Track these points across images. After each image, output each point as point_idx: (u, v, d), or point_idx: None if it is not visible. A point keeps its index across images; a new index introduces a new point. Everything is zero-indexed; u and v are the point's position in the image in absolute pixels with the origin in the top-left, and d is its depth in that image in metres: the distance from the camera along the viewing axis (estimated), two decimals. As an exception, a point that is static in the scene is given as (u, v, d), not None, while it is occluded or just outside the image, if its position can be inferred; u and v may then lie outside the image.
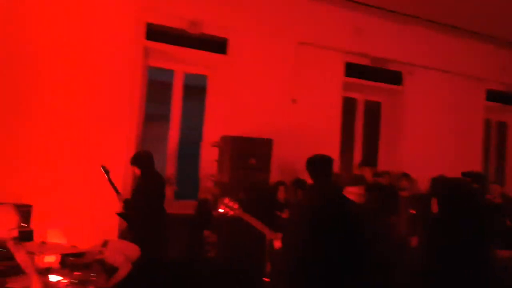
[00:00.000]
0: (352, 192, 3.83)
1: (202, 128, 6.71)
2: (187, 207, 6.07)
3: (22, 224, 4.21)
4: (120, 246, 4.49)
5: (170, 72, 6.66)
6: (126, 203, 5.02)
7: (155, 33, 6.13)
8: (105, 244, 4.35)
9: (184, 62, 6.61)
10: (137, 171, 5.08)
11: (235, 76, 6.52)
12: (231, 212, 4.30)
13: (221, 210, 4.39)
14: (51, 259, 3.98)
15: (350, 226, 3.07)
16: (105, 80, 5.78)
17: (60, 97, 5.54)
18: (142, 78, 6.20)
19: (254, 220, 4.26)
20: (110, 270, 4.13)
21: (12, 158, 5.23)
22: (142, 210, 4.92)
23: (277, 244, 3.97)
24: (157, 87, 6.79)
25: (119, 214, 5.09)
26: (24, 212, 4.79)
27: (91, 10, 5.72)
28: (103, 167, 4.99)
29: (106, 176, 4.97)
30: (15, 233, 3.27)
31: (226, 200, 4.28)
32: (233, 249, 5.38)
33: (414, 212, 5.31)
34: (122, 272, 4.15)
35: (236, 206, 4.26)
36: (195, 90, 7.12)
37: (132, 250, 4.44)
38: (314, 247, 2.95)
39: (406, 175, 6.64)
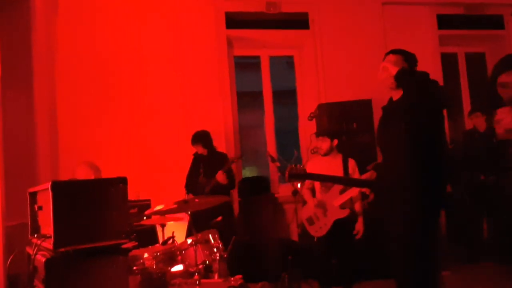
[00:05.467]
0: None
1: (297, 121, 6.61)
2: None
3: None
4: None
5: (257, 81, 6.67)
6: None
7: (235, 21, 6.19)
8: None
9: (267, 45, 6.57)
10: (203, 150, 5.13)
11: (322, 49, 6.34)
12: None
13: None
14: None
15: None
16: (192, 76, 5.93)
17: (152, 95, 5.77)
18: (230, 69, 6.25)
19: None
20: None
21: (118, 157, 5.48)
22: None
23: None
24: (246, 96, 6.89)
25: None
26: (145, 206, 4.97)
27: (171, 8, 5.95)
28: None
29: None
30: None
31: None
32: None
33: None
34: None
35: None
36: (284, 95, 7.10)
37: None
38: None
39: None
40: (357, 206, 4.38)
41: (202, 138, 5.12)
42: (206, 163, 5.16)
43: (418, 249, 2.64)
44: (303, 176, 3.72)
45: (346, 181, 4.21)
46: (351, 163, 4.45)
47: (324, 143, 4.49)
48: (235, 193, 5.72)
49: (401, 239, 2.69)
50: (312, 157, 4.91)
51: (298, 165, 3.47)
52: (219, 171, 4.93)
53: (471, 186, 5.55)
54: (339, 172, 4.36)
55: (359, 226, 4.33)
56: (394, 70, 2.85)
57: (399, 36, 6.47)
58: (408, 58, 3.04)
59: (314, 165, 4.54)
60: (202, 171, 5.14)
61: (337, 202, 4.33)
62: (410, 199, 2.66)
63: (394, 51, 3.07)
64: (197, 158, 5.26)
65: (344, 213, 4.32)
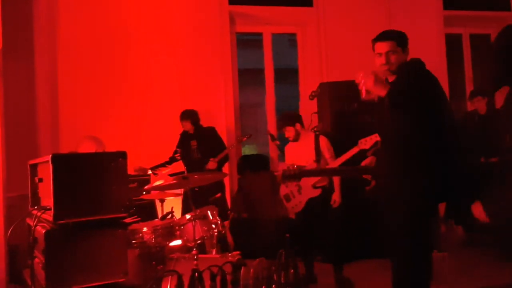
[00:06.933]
0: None
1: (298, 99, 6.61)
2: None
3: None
4: None
5: (258, 59, 6.60)
6: None
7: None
8: None
9: (270, 22, 6.50)
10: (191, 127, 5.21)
11: (326, 27, 6.28)
12: None
13: None
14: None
15: None
16: (193, 51, 5.89)
17: (153, 71, 5.75)
18: (231, 45, 6.21)
19: None
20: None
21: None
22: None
23: None
24: (247, 74, 6.86)
25: None
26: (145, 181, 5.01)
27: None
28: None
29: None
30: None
31: None
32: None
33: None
34: None
35: None
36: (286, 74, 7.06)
37: None
38: None
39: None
40: (336, 178, 4.45)
41: (191, 115, 5.20)
42: (198, 139, 5.22)
43: (416, 233, 2.65)
44: (298, 175, 3.74)
45: (344, 172, 4.24)
46: (323, 140, 4.46)
47: (290, 133, 4.52)
48: (234, 170, 5.75)
49: (400, 222, 2.69)
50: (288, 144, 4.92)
51: (290, 166, 3.48)
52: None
53: (471, 169, 5.56)
54: (312, 151, 4.40)
55: (336, 196, 4.41)
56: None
57: (403, 15, 6.39)
58: (400, 42, 2.80)
59: (288, 152, 4.63)
60: (196, 148, 5.19)
61: (310, 181, 4.41)
62: (409, 184, 2.65)
63: (383, 38, 2.78)
64: (185, 135, 5.30)
65: (317, 192, 4.41)
